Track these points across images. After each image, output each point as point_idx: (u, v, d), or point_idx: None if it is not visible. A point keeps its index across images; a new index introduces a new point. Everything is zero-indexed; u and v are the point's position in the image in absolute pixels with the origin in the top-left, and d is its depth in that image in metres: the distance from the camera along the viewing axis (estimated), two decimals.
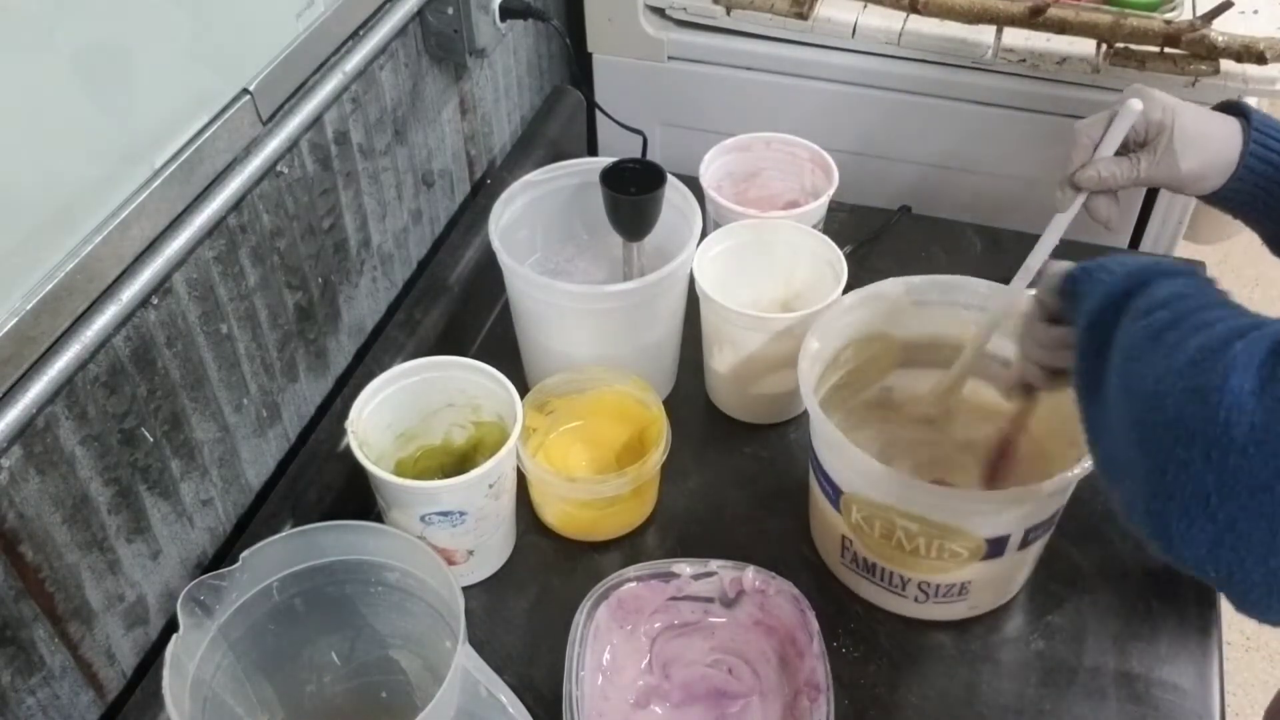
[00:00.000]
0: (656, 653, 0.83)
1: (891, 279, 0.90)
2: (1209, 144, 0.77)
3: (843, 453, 0.79)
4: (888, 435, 0.95)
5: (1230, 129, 0.77)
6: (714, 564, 0.83)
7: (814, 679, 0.77)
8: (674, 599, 0.84)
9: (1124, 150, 0.79)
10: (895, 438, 0.95)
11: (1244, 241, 0.82)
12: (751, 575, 0.82)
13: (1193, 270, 0.62)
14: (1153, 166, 0.78)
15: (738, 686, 0.81)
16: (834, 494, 0.83)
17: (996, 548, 0.79)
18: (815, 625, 0.79)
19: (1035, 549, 0.84)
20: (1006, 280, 0.84)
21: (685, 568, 0.83)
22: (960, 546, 0.79)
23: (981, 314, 0.88)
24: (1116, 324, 0.60)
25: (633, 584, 0.83)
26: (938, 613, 0.86)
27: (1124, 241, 1.22)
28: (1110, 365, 0.58)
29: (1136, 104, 0.77)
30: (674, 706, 0.81)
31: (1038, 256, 0.81)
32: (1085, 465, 0.75)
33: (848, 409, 0.95)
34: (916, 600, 0.85)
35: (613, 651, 0.82)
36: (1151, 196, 1.19)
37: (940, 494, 0.80)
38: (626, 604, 0.83)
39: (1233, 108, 0.79)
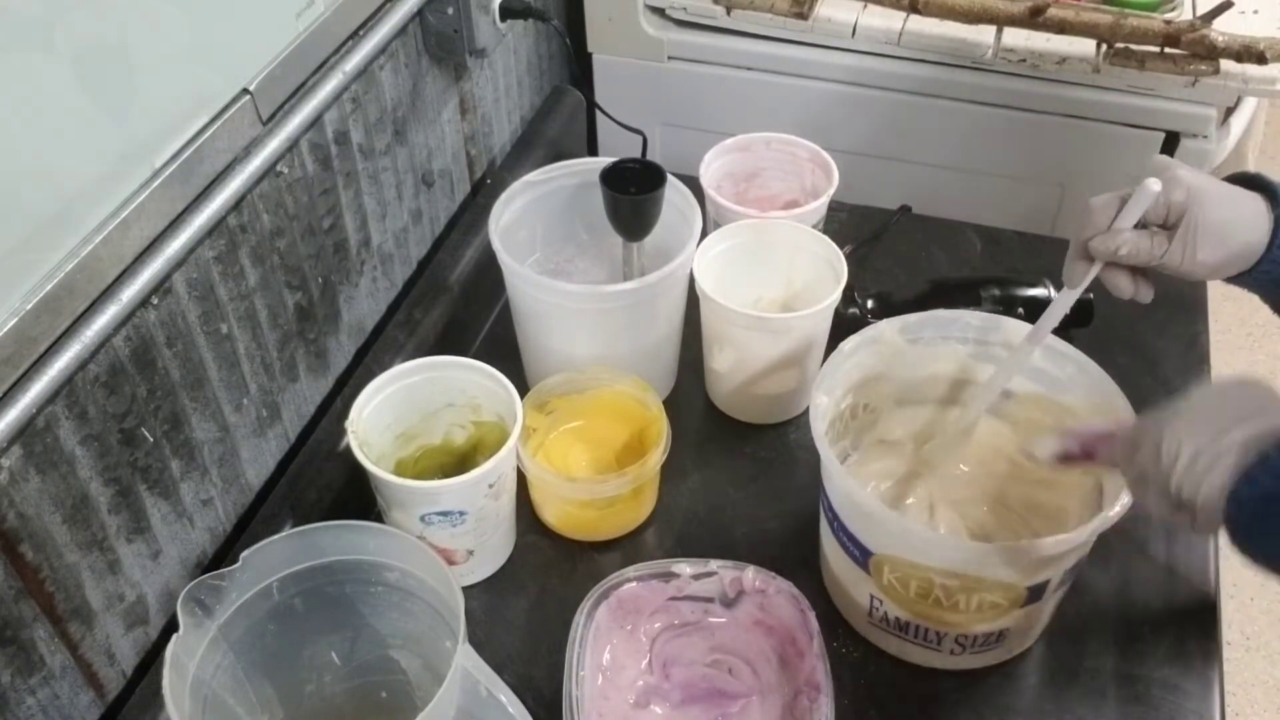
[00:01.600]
0: (656, 653, 0.83)
1: (885, 320, 0.87)
2: (1232, 233, 0.71)
3: (879, 519, 0.77)
4: (886, 474, 0.94)
5: (1254, 210, 0.71)
6: (714, 564, 0.83)
7: (814, 679, 0.77)
8: (674, 599, 0.84)
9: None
10: (894, 477, 0.94)
11: None
12: (751, 575, 0.82)
13: None
14: (1169, 255, 0.71)
15: (738, 686, 0.81)
16: (862, 556, 0.80)
17: (1036, 593, 0.78)
18: (815, 625, 0.79)
19: (1067, 586, 0.83)
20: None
21: (685, 568, 0.83)
22: (1001, 597, 0.77)
23: (976, 347, 0.87)
24: None
25: (633, 584, 0.83)
26: (975, 662, 0.83)
27: None
28: None
29: (1155, 185, 0.70)
30: (674, 706, 0.81)
31: (1044, 329, 0.79)
32: (1125, 502, 0.72)
33: (849, 453, 0.94)
34: (953, 653, 0.82)
35: (613, 651, 0.82)
36: None
37: (990, 551, 0.77)
38: (626, 604, 0.83)
39: (1254, 181, 0.73)
